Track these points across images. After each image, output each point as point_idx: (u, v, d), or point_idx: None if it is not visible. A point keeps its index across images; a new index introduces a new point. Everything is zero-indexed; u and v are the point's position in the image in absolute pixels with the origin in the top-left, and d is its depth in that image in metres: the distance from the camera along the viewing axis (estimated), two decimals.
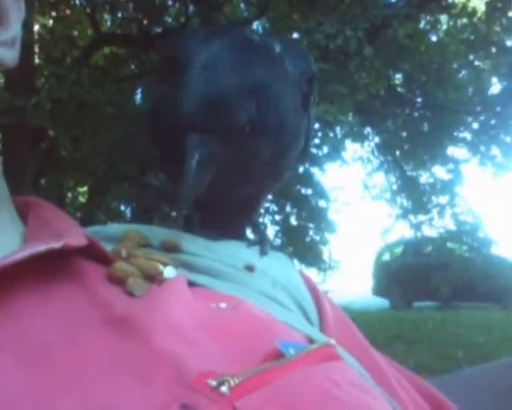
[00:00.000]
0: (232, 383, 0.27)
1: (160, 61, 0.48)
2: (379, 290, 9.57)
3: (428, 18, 5.20)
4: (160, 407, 0.25)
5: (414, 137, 6.27)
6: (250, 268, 0.43)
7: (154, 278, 0.37)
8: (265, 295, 0.40)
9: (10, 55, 0.35)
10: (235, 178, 0.44)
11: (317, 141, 4.79)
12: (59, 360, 0.28)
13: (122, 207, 4.99)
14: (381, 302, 9.20)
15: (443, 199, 6.74)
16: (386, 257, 9.79)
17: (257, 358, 0.30)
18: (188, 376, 0.27)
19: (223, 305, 0.36)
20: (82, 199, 5.42)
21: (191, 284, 0.38)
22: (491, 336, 4.96)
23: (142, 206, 4.15)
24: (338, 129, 5.10)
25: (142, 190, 3.79)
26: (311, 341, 0.36)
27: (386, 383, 0.39)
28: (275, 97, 0.41)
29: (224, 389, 0.26)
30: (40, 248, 0.31)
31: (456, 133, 6.44)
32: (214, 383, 0.26)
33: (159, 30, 4.94)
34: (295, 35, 4.64)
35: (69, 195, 5.29)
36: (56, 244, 0.32)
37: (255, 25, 5.13)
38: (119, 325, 0.31)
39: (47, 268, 0.33)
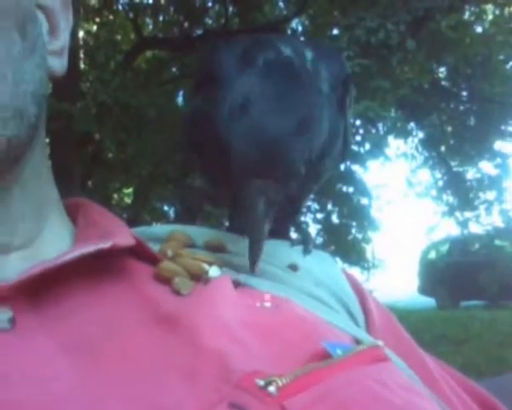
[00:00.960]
0: (280, 383, 0.27)
1: (198, 74, 0.48)
2: (425, 289, 9.36)
3: (473, 9, 5.04)
4: (208, 406, 0.26)
5: (459, 131, 6.10)
6: (293, 267, 0.43)
7: (199, 277, 0.38)
8: (310, 295, 0.40)
9: (59, 64, 0.37)
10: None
11: (358, 138, 4.72)
12: (109, 358, 0.29)
13: (166, 208, 5.08)
14: (428, 301, 8.99)
15: (490, 195, 6.52)
16: (432, 255, 9.56)
17: (303, 358, 0.30)
18: (235, 375, 0.27)
19: (267, 304, 0.36)
20: (127, 200, 5.54)
21: (236, 283, 0.38)
22: None
23: (185, 206, 4.21)
24: (380, 125, 5.02)
25: (185, 191, 3.84)
26: (357, 341, 0.36)
27: (434, 385, 0.38)
28: (320, 124, 0.41)
29: (271, 388, 0.26)
30: (90, 248, 0.32)
31: (503, 127, 6.22)
32: (262, 382, 0.27)
33: (199, 31, 5.00)
34: (335, 31, 4.59)
35: (115, 196, 5.42)
36: (105, 244, 0.33)
37: (294, 23, 5.11)
38: (166, 323, 0.31)
39: (96, 268, 0.34)
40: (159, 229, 0.47)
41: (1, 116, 0.30)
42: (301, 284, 0.41)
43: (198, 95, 0.46)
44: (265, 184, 0.38)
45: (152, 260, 0.38)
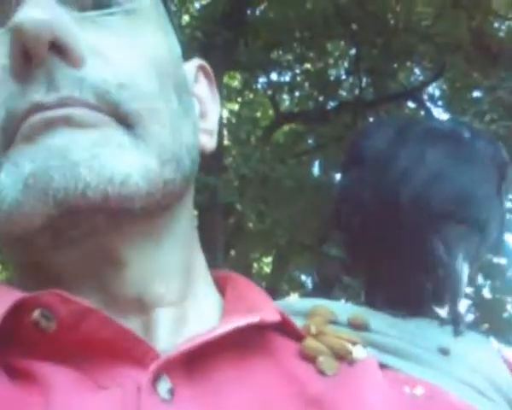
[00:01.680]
0: None
1: (348, 156, 0.50)
2: None
3: None
4: None
5: None
6: (444, 351, 0.40)
7: (344, 357, 0.37)
8: (462, 382, 0.37)
9: (209, 142, 0.40)
10: None
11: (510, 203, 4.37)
12: None
13: (303, 277, 5.09)
14: None
15: None
16: None
17: None
18: None
19: (418, 392, 0.34)
20: (266, 269, 5.66)
21: (381, 365, 0.37)
22: None
23: (322, 276, 4.19)
24: None
25: (322, 260, 3.84)
26: None
27: None
28: (491, 202, 0.42)
29: None
30: (241, 322, 0.32)
31: None
32: None
33: (334, 104, 5.11)
34: (476, 93, 4.40)
35: (255, 265, 5.57)
36: (254, 319, 0.33)
37: (431, 87, 5.00)
38: (311, 404, 0.31)
39: (244, 342, 0.34)
40: (301, 303, 0.48)
41: (161, 158, 0.32)
42: (454, 370, 0.38)
43: (347, 175, 0.48)
44: (458, 229, 0.38)
45: (296, 336, 0.38)
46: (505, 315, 4.86)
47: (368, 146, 0.45)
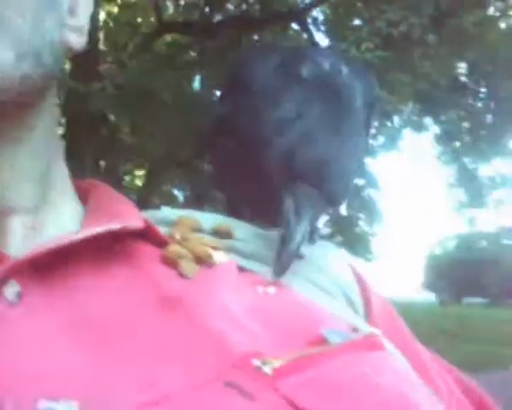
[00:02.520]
0: (275, 364, 0.28)
1: (229, 81, 0.49)
2: (428, 285, 9.33)
3: (499, 4, 4.94)
4: (204, 383, 0.27)
5: (476, 128, 6.02)
6: (299, 256, 0.44)
7: (204, 261, 0.38)
8: (312, 282, 0.41)
9: (78, 41, 0.37)
10: None
11: (372, 131, 4.69)
12: (114, 337, 0.29)
13: (175, 192, 5.10)
14: (430, 297, 8.97)
15: (501, 194, 6.46)
16: (439, 251, 9.51)
17: (301, 343, 0.31)
18: (233, 355, 0.28)
19: (270, 290, 0.37)
20: (138, 182, 5.56)
21: (241, 268, 0.39)
22: None
23: (194, 191, 4.22)
24: (396, 118, 4.97)
25: (196, 177, 3.85)
26: (355, 329, 0.37)
27: (427, 378, 0.39)
28: (359, 151, 0.43)
29: (266, 369, 0.27)
30: (100, 229, 0.32)
31: None
32: (258, 363, 0.27)
33: (219, 17, 4.97)
34: (357, 22, 4.54)
35: (126, 178, 5.44)
36: (115, 226, 0.33)
37: (315, 11, 5.06)
38: (170, 304, 0.32)
39: (105, 249, 0.34)
40: (168, 213, 0.48)
41: (17, 51, 0.30)
42: (304, 272, 0.42)
43: (227, 100, 0.47)
44: (311, 192, 0.39)
45: (160, 243, 0.39)
46: (357, 230, 5.35)
47: (251, 73, 0.44)
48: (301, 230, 0.39)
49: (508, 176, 6.34)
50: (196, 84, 4.98)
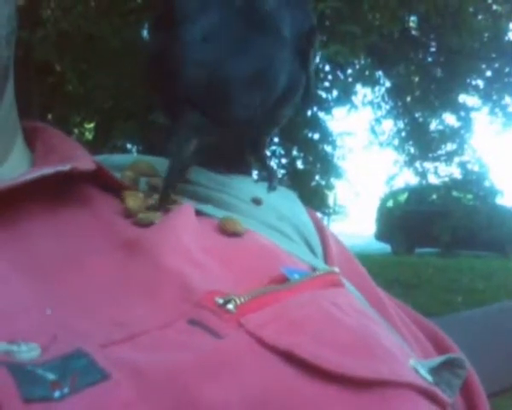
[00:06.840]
0: (238, 301, 0.27)
1: (158, 12, 0.46)
2: (381, 236, 9.69)
3: None
4: (167, 322, 0.26)
5: (426, 82, 6.14)
6: (257, 201, 0.43)
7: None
8: (271, 227, 0.41)
9: None
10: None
11: (326, 84, 4.70)
12: (67, 278, 0.29)
13: (128, 146, 4.99)
14: (383, 247, 9.31)
15: (451, 147, 6.68)
16: (390, 204, 9.83)
17: (262, 281, 0.31)
18: (195, 294, 0.28)
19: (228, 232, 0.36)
20: (89, 135, 5.40)
21: (198, 213, 0.39)
22: (491, 283, 5.03)
23: (148, 144, 4.14)
24: (349, 72, 5.00)
25: (148, 129, 3.77)
26: (314, 270, 0.37)
27: (388, 316, 0.40)
28: (278, 76, 0.40)
29: (230, 306, 0.27)
30: (48, 170, 0.32)
31: (468, 80, 6.30)
32: (221, 300, 0.27)
33: None
34: None
35: (76, 131, 5.28)
36: (64, 167, 0.32)
37: None
38: (127, 245, 0.32)
39: (56, 192, 0.34)
40: (121, 158, 0.46)
41: None
42: (264, 218, 0.42)
43: (159, 32, 0.44)
44: (201, 120, 0.37)
45: (113, 186, 0.38)
46: (313, 183, 5.44)
47: (175, 2, 0.41)
48: (185, 151, 0.38)
49: (457, 130, 6.52)
50: (145, 32, 4.81)
